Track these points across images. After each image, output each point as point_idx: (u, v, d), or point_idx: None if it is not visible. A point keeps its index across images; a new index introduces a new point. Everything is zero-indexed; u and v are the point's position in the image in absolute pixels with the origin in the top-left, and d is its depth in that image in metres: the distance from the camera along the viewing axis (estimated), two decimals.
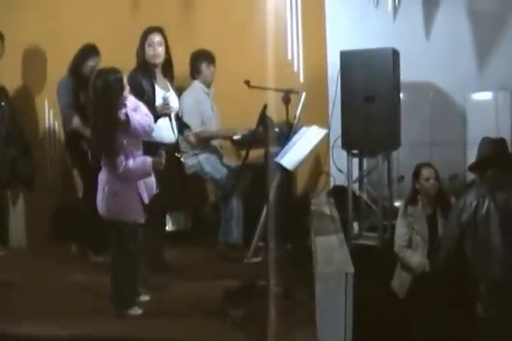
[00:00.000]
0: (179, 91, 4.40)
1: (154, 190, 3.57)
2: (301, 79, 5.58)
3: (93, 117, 3.44)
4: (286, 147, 4.16)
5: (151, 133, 3.55)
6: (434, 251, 3.68)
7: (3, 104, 4.84)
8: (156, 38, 4.04)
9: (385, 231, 4.73)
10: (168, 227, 4.97)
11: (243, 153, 4.24)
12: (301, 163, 4.19)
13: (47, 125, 5.58)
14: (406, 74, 4.85)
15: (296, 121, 4.58)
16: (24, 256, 4.90)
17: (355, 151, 4.84)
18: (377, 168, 4.78)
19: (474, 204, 3.31)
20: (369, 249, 4.63)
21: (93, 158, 3.56)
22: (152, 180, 3.55)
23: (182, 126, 4.23)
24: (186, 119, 4.41)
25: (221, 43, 5.25)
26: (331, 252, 3.46)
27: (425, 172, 4.08)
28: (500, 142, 3.58)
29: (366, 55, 4.61)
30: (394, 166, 4.99)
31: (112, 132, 3.34)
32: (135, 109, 3.45)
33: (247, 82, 4.31)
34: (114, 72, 3.39)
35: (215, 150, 4.85)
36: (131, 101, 3.46)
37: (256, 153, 4.12)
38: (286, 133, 4.41)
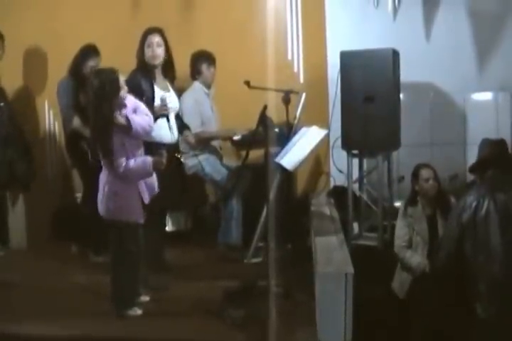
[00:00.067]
0: (179, 92, 4.40)
1: (155, 190, 3.58)
2: (301, 80, 5.57)
3: (91, 117, 3.46)
4: (286, 147, 4.16)
5: (150, 133, 3.57)
6: (434, 252, 3.67)
7: (2, 104, 4.83)
8: (155, 38, 4.03)
9: (385, 232, 4.73)
10: (168, 227, 4.97)
11: (243, 153, 4.25)
12: (301, 164, 4.20)
13: (47, 125, 5.58)
14: (406, 75, 4.85)
15: (296, 121, 4.59)
16: (24, 257, 4.89)
17: (355, 151, 4.83)
18: (377, 169, 4.77)
19: (474, 204, 3.31)
20: (369, 249, 4.63)
21: (92, 157, 3.56)
22: (153, 179, 3.55)
23: (181, 126, 4.23)
24: (186, 120, 4.41)
25: (221, 44, 5.25)
26: (330, 252, 3.46)
27: (424, 173, 4.07)
28: (500, 143, 3.58)
29: (366, 56, 4.61)
30: (394, 166, 4.99)
31: (109, 131, 3.35)
32: (135, 110, 3.46)
33: (247, 83, 4.32)
34: (110, 72, 3.41)
35: (215, 151, 4.85)
36: (130, 101, 3.47)
37: (256, 154, 4.13)
38: (286, 133, 4.42)
